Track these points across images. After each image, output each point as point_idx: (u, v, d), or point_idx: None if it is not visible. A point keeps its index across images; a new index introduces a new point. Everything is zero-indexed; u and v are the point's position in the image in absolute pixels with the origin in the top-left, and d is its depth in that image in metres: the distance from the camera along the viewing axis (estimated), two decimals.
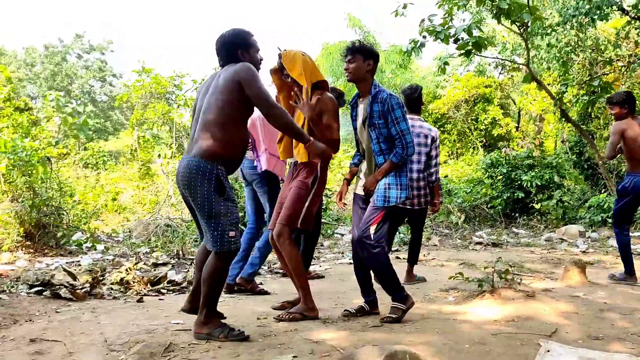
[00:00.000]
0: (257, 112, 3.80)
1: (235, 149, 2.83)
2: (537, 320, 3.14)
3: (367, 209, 3.20)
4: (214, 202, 2.70)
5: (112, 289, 4.22)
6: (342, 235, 8.40)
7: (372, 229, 3.10)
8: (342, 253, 6.82)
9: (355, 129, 3.38)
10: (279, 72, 3.37)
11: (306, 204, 3.25)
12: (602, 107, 10.53)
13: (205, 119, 2.79)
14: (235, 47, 2.91)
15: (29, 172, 6.63)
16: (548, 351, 2.54)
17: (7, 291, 3.92)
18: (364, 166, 3.35)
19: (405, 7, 7.10)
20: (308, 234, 4.94)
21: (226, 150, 2.77)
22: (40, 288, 3.98)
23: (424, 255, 6.50)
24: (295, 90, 3.31)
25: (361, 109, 3.29)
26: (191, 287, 3.06)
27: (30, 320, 3.18)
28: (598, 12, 8.69)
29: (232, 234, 2.73)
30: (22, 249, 5.91)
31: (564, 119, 10.43)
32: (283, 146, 3.44)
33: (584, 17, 9.02)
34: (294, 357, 2.44)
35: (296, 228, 3.27)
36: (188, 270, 5.08)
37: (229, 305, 3.75)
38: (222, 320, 2.85)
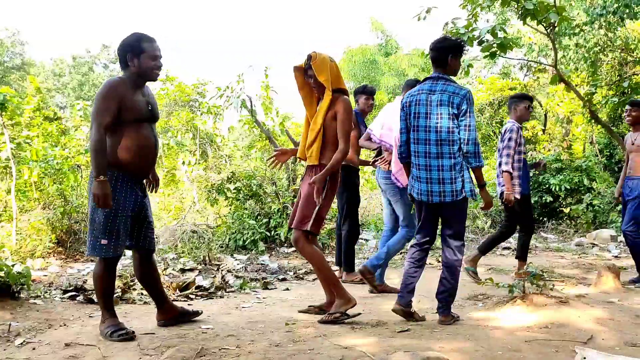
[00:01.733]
0: (395, 133, 3.99)
1: (127, 154, 2.83)
2: (571, 327, 3.07)
3: None
4: (93, 209, 2.82)
5: (142, 294, 4.27)
6: (367, 240, 8.35)
7: None
8: (367, 258, 6.78)
9: None
10: (303, 70, 3.46)
11: (317, 208, 3.27)
12: None
13: None
14: (125, 51, 2.87)
15: (60, 180, 6.79)
16: (584, 358, 2.48)
17: (42, 296, 4.01)
18: None
19: (428, 11, 7.04)
20: (343, 234, 5.04)
21: (115, 157, 2.82)
22: (73, 293, 4.07)
23: None
24: (318, 94, 3.42)
25: None
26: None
27: (65, 325, 3.25)
28: (627, 10, 8.50)
29: (104, 242, 2.80)
30: (54, 255, 6.05)
31: (593, 121, 10.19)
32: (310, 150, 3.44)
33: (612, 16, 8.82)
34: None
35: (312, 231, 3.28)
36: (215, 276, 5.11)
37: (256, 310, 3.77)
38: (119, 322, 2.94)
